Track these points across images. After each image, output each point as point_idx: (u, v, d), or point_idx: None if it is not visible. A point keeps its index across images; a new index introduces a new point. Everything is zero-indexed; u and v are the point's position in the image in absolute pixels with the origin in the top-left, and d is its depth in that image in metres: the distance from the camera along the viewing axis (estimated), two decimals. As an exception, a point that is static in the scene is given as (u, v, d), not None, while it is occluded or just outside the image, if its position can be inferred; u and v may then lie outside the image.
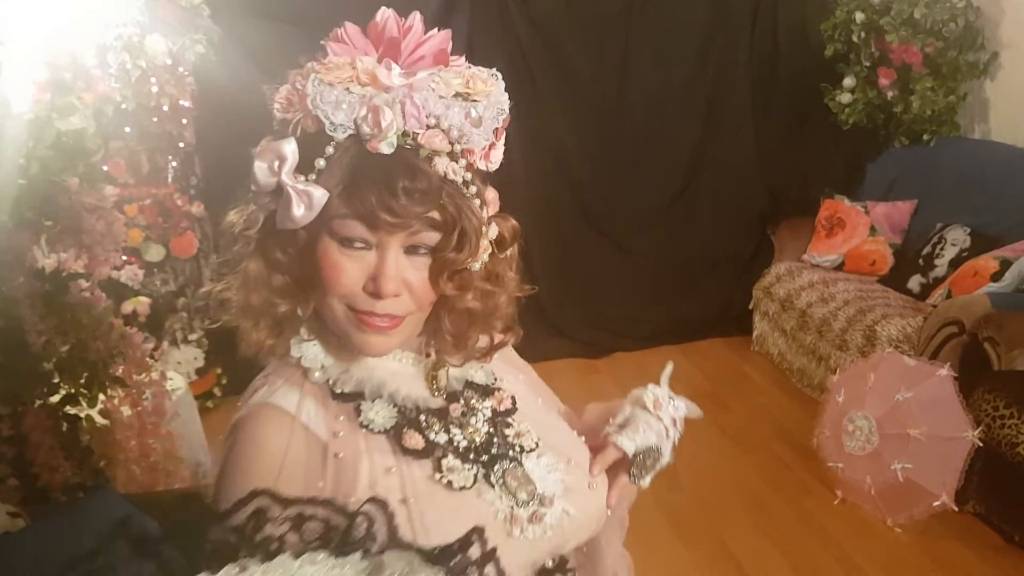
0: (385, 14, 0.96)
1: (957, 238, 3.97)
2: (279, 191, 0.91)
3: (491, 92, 0.97)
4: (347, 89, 0.90)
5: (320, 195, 0.89)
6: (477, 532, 0.83)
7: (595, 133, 4.82)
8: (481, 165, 0.97)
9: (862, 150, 4.89)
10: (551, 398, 1.25)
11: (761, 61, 4.94)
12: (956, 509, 2.95)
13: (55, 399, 2.20)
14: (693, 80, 4.91)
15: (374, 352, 0.98)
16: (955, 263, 3.87)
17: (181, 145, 3.64)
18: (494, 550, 0.83)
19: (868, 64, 4.65)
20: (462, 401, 1.05)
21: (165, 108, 3.47)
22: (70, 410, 2.22)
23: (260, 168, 0.91)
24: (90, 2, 3.19)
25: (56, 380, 2.21)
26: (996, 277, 3.52)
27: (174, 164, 3.65)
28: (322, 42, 0.95)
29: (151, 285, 3.61)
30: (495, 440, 1.03)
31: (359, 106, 0.89)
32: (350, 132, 0.89)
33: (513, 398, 1.09)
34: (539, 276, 4.74)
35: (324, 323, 0.99)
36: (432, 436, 0.99)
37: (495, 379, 1.11)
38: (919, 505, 2.98)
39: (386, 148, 0.89)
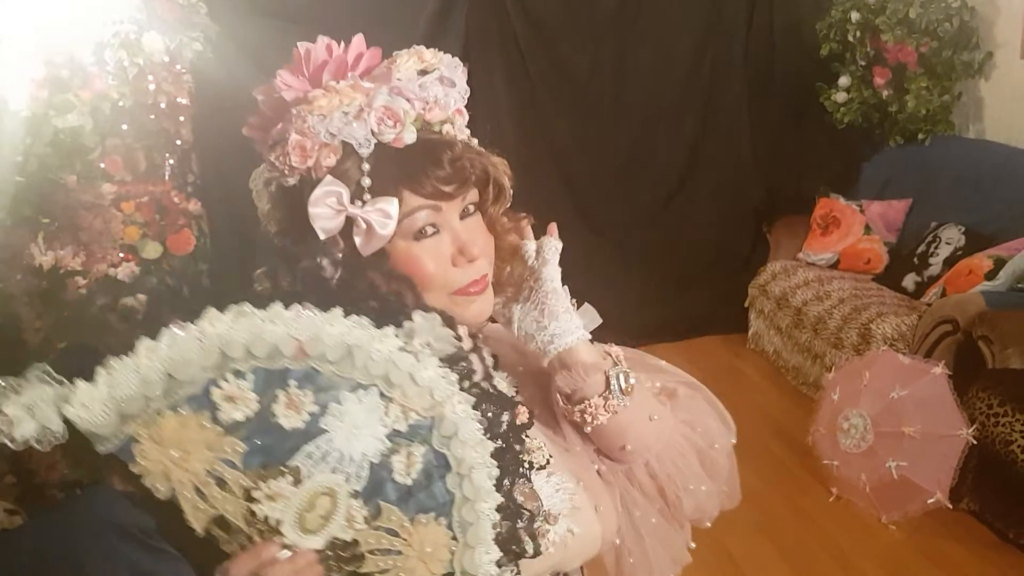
0: (303, 46, 0.98)
1: (952, 237, 3.98)
2: (341, 230, 0.95)
3: (440, 56, 1.03)
4: (343, 112, 0.94)
5: (393, 205, 0.94)
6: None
7: (591, 131, 4.83)
8: (460, 123, 1.03)
9: (857, 149, 4.90)
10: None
11: (757, 60, 4.95)
12: (950, 506, 2.96)
13: (52, 396, 2.20)
14: (689, 79, 4.92)
15: (483, 316, 1.04)
16: (950, 262, 3.88)
17: (178, 142, 3.64)
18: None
19: (863, 63, 4.66)
20: (483, 412, 1.06)
21: (162, 105, 3.47)
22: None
23: (322, 215, 0.94)
24: (87, 0, 3.19)
25: (53, 378, 2.21)
26: (990, 276, 3.53)
27: (171, 161, 3.65)
28: (255, 95, 1.00)
29: (148, 282, 3.61)
30: (505, 455, 1.02)
31: (367, 116, 0.94)
32: (372, 144, 0.94)
33: (530, 413, 1.08)
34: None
35: None
36: None
37: (515, 391, 1.10)
38: (914, 502, 2.99)
39: (410, 138, 0.95)
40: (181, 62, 3.51)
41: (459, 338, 0.90)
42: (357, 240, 0.95)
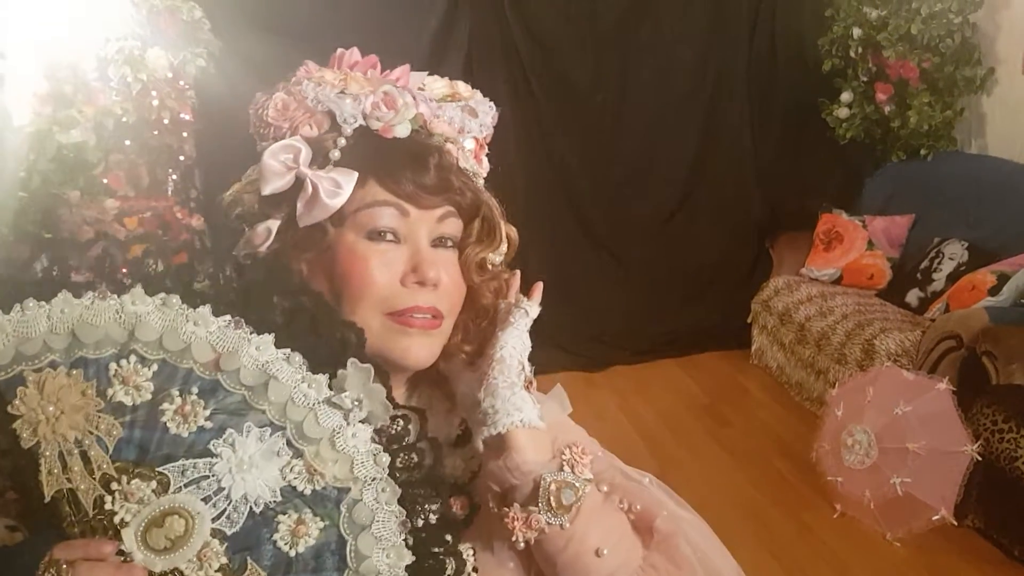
0: (341, 51, 0.97)
1: (955, 252, 3.98)
2: (291, 192, 0.87)
3: (475, 94, 0.98)
4: (342, 91, 0.90)
5: (349, 176, 0.86)
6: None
7: (593, 146, 4.84)
8: (474, 164, 0.97)
9: (860, 164, 4.91)
10: None
11: (759, 75, 4.96)
12: (955, 523, 2.94)
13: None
14: (691, 94, 4.93)
15: (419, 358, 0.88)
16: (953, 277, 3.88)
17: (181, 158, 3.65)
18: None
19: (865, 79, 4.67)
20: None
21: (166, 121, 3.47)
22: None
23: (272, 166, 0.87)
24: (91, 16, 3.21)
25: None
26: (994, 291, 3.52)
27: (174, 177, 3.65)
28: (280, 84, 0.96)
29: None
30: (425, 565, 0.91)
31: (365, 99, 0.89)
32: (359, 123, 0.89)
33: (469, 505, 0.94)
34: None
35: None
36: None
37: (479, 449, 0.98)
38: (918, 519, 2.97)
39: (402, 132, 0.89)
40: (184, 78, 3.52)
41: (392, 401, 0.79)
42: (299, 206, 0.86)
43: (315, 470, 0.76)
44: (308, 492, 0.76)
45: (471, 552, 0.84)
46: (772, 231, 4.97)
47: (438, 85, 0.97)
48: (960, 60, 4.43)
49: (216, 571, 0.74)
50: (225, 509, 0.74)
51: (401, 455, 0.80)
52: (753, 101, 5.00)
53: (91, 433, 0.74)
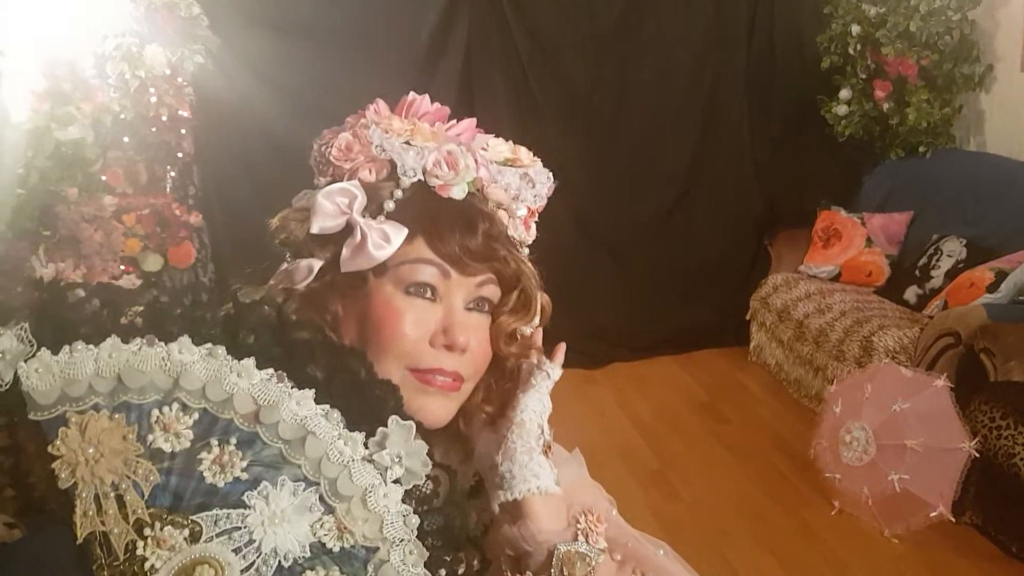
0: (415, 96, 0.96)
1: (953, 249, 3.98)
2: (340, 235, 0.88)
3: (535, 162, 0.99)
4: (407, 142, 0.90)
5: (399, 231, 0.86)
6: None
7: (592, 144, 4.83)
8: (522, 233, 0.98)
9: (858, 162, 4.91)
10: None
11: (758, 73, 4.96)
12: (953, 520, 2.94)
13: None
14: (690, 92, 4.93)
15: (435, 418, 0.88)
16: (951, 274, 3.88)
17: (179, 155, 3.65)
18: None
19: (864, 76, 4.67)
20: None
21: (164, 118, 3.47)
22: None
23: (326, 207, 0.87)
24: (89, 13, 3.21)
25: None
26: (992, 288, 3.53)
27: (172, 174, 3.65)
28: (348, 119, 0.96)
29: (148, 295, 3.61)
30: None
31: (427, 154, 0.89)
32: (418, 178, 0.89)
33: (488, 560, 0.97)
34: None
35: None
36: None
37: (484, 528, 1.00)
38: (916, 516, 2.98)
39: (458, 193, 0.90)
40: (183, 75, 3.52)
41: (431, 458, 0.79)
42: (345, 251, 0.87)
43: (345, 527, 0.76)
44: (337, 549, 0.76)
45: None
46: (771, 228, 4.98)
47: (501, 148, 0.97)
48: (959, 57, 4.43)
49: None
50: (254, 562, 0.74)
51: (429, 517, 0.80)
52: (752, 99, 5.00)
53: (128, 477, 0.74)
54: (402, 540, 0.77)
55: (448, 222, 0.88)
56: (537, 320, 0.98)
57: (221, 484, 0.74)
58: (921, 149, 4.59)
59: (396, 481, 0.77)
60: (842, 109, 4.73)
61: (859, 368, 3.52)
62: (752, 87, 4.98)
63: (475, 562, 0.88)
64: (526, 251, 0.97)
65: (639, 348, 4.79)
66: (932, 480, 2.93)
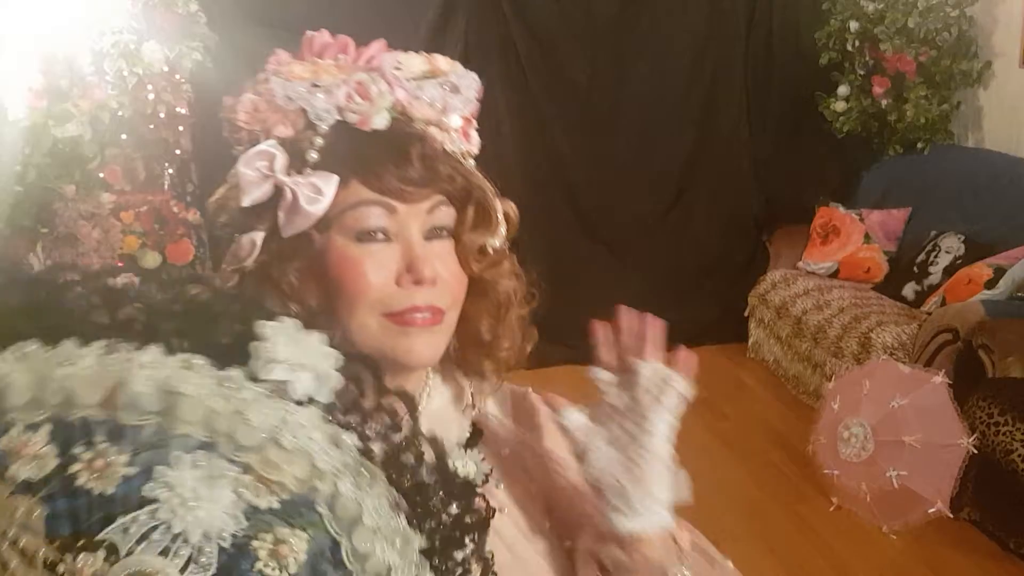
0: (311, 33, 0.90)
1: (951, 246, 3.98)
2: (272, 200, 0.83)
3: (455, 66, 0.91)
4: (313, 84, 0.84)
5: (328, 180, 0.81)
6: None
7: (590, 140, 4.83)
8: (462, 144, 0.90)
9: (856, 158, 4.90)
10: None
11: (756, 69, 4.96)
12: (951, 516, 2.95)
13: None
14: (688, 87, 4.92)
15: (424, 357, 0.85)
16: (949, 271, 3.88)
17: (177, 152, 3.64)
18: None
19: (862, 73, 4.67)
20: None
21: (162, 115, 3.47)
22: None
23: (248, 176, 0.82)
24: (87, 10, 3.20)
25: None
26: (990, 285, 3.53)
27: (170, 171, 3.65)
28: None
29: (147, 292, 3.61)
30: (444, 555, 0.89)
31: (337, 90, 0.83)
32: (334, 119, 0.83)
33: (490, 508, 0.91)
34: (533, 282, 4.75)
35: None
36: None
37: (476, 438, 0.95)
38: (914, 512, 2.98)
39: (380, 122, 0.84)
40: (180, 72, 3.51)
41: (355, 358, 0.66)
42: (280, 216, 0.81)
43: (270, 480, 0.62)
44: (275, 506, 0.63)
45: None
46: (769, 225, 4.97)
47: (415, 62, 0.89)
48: (957, 54, 4.43)
49: None
50: (190, 555, 0.61)
51: (384, 448, 0.67)
52: (750, 95, 4.99)
53: (11, 521, 0.62)
54: (345, 465, 0.64)
55: (378, 155, 0.83)
56: (504, 230, 0.92)
57: (112, 489, 0.61)
58: (919, 145, 4.58)
59: (305, 401, 0.64)
60: (840, 105, 4.73)
61: (857, 364, 3.52)
62: (750, 83, 4.98)
63: (469, 505, 0.73)
64: (472, 162, 0.91)
65: (637, 344, 4.79)
66: (930, 476, 2.93)
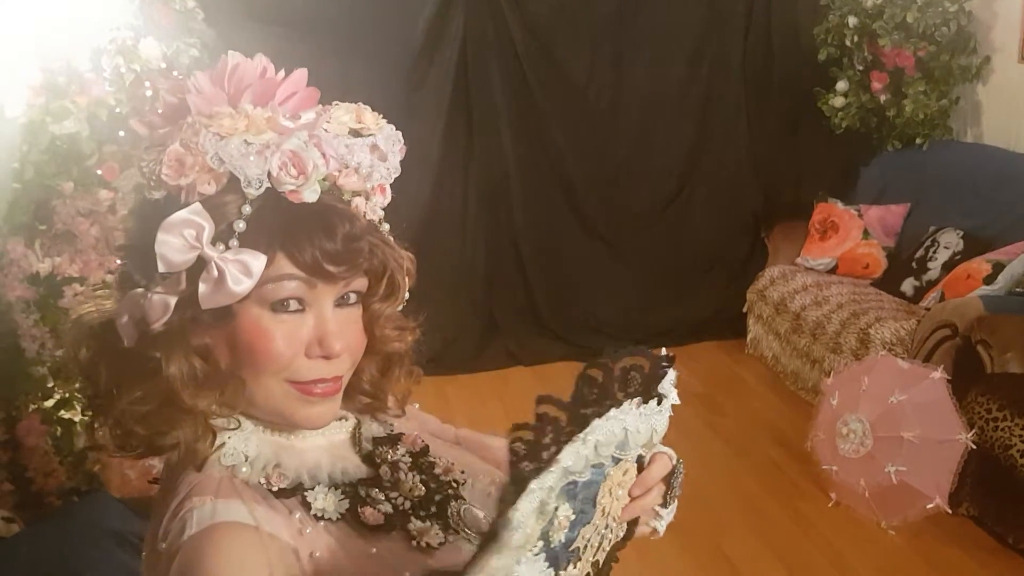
0: (234, 58, 0.87)
1: (950, 241, 3.98)
2: (193, 268, 0.80)
3: (381, 124, 0.90)
4: (245, 141, 0.81)
5: (258, 261, 0.80)
6: None
7: (589, 136, 4.83)
8: (380, 203, 0.90)
9: (855, 154, 4.90)
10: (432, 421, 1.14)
11: (754, 65, 4.95)
12: (950, 511, 2.95)
13: (49, 404, 2.19)
14: (687, 84, 4.92)
15: (320, 423, 0.89)
16: (948, 266, 3.88)
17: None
18: None
19: (861, 68, 4.67)
20: (382, 460, 0.96)
21: (159, 112, 3.46)
22: (64, 414, 2.22)
23: (171, 244, 0.79)
24: (84, 6, 3.19)
25: (50, 384, 2.21)
26: (989, 280, 3.53)
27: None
28: (161, 89, 0.88)
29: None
30: (431, 485, 0.96)
31: (270, 156, 0.80)
32: (264, 188, 0.81)
33: (418, 436, 1.00)
34: (533, 279, 4.75)
35: (251, 409, 0.88)
36: (382, 507, 0.90)
37: (392, 426, 1.02)
38: (913, 507, 2.99)
39: (310, 196, 0.82)
40: (178, 68, 3.50)
41: None
42: (202, 287, 0.79)
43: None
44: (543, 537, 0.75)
45: None
46: (768, 221, 4.97)
47: (344, 119, 0.88)
48: (956, 49, 4.43)
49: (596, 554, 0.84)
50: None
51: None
52: (749, 90, 4.99)
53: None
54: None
55: (305, 231, 0.82)
56: (406, 293, 0.95)
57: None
58: (918, 141, 4.58)
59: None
60: (839, 101, 4.72)
61: (856, 360, 3.53)
62: (749, 79, 4.97)
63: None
64: (386, 226, 0.91)
65: (636, 341, 4.78)
66: (929, 472, 2.94)
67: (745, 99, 5.00)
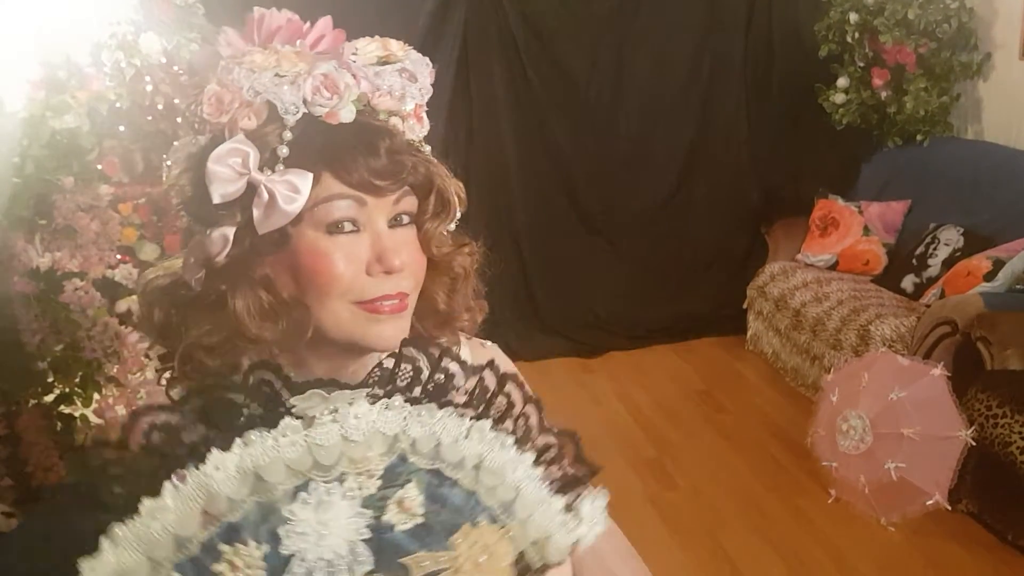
0: (260, 11, 0.89)
1: (950, 238, 3.98)
2: (244, 197, 0.83)
3: (409, 51, 0.92)
4: (276, 73, 0.84)
5: (304, 178, 0.82)
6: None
7: (589, 133, 4.83)
8: (418, 130, 0.93)
9: (856, 150, 4.90)
10: None
11: (755, 61, 4.95)
12: (949, 508, 2.95)
13: (49, 399, 2.19)
14: (687, 80, 4.92)
15: (392, 342, 0.87)
16: (948, 263, 3.88)
17: (176, 144, 3.63)
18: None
19: (862, 64, 4.66)
20: None
21: (160, 107, 3.46)
22: (64, 410, 2.22)
23: (220, 175, 0.83)
24: (84, 1, 3.19)
25: (50, 379, 2.21)
26: (989, 277, 3.53)
27: (168, 163, 3.64)
28: (194, 59, 0.91)
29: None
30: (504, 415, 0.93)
31: (303, 82, 0.84)
32: (301, 112, 0.84)
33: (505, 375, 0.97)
34: (533, 275, 4.75)
35: (320, 342, 0.89)
36: None
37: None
38: (912, 504, 2.99)
39: (347, 115, 0.85)
40: (179, 63, 3.50)
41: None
42: (255, 213, 0.82)
43: (363, 470, 0.75)
44: (379, 482, 0.75)
45: None
46: (768, 217, 4.97)
47: (371, 48, 0.91)
48: (957, 45, 4.43)
49: None
50: (348, 563, 0.73)
51: (412, 386, 0.79)
52: (749, 87, 4.99)
53: None
54: (405, 418, 0.76)
55: (348, 149, 0.84)
56: (459, 212, 0.96)
57: (264, 573, 0.72)
58: (919, 137, 4.58)
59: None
60: (840, 97, 4.72)
61: (856, 357, 3.52)
62: (749, 75, 4.97)
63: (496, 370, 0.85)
64: (428, 148, 0.93)
65: (636, 337, 4.80)
66: (928, 468, 2.94)
67: (746, 95, 4.99)
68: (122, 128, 3.40)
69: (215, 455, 0.73)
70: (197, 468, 0.72)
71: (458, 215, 0.95)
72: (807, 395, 4.00)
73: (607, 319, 4.84)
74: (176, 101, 3.48)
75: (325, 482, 0.74)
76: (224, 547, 0.71)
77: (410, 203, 0.90)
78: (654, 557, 3.09)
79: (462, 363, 0.81)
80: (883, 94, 4.59)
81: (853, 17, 4.54)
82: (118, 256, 3.14)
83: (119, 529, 0.71)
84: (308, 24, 0.90)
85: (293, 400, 0.76)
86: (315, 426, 0.74)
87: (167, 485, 0.72)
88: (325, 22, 0.91)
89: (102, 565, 0.70)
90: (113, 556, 0.70)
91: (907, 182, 4.55)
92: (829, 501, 3.26)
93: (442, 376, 0.80)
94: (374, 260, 0.86)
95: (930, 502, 2.94)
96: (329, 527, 0.73)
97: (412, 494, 0.75)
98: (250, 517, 0.72)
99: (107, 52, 3.23)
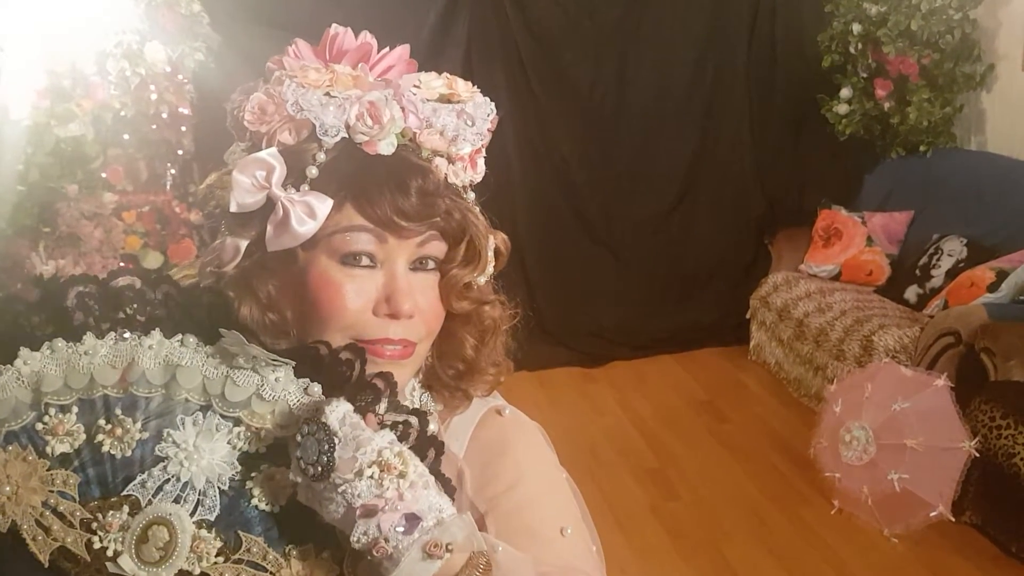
0: (337, 29, 0.88)
1: (953, 249, 3.98)
2: (263, 210, 0.82)
3: (474, 94, 0.90)
4: (327, 93, 0.83)
5: (323, 203, 0.80)
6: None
7: (593, 142, 4.84)
8: (467, 175, 0.89)
9: (859, 161, 4.90)
10: None
11: (759, 71, 4.96)
12: (953, 519, 2.94)
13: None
14: (691, 90, 4.93)
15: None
16: (952, 274, 3.88)
17: (180, 152, 3.64)
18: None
19: (865, 75, 4.67)
20: None
21: (164, 115, 3.47)
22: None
23: (242, 184, 0.81)
24: (90, 10, 3.20)
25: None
26: (992, 288, 3.52)
27: (172, 171, 3.65)
28: (269, 64, 0.89)
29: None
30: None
31: (349, 107, 0.82)
32: (341, 136, 0.82)
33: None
34: (536, 284, 4.75)
35: None
36: None
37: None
38: (916, 515, 2.98)
39: (386, 148, 0.83)
40: (183, 72, 3.51)
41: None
42: (268, 229, 0.80)
43: (256, 427, 0.77)
44: (263, 449, 0.77)
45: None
46: (771, 227, 4.97)
47: (436, 84, 0.88)
48: (960, 56, 4.43)
49: (217, 556, 0.76)
50: (198, 499, 0.77)
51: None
52: (752, 97, 5.00)
53: (51, 491, 0.77)
54: (320, 403, 0.76)
55: (377, 183, 0.81)
56: (491, 268, 0.91)
57: (130, 452, 0.77)
58: (922, 148, 4.58)
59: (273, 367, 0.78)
60: (843, 108, 4.72)
61: (859, 367, 3.52)
62: (753, 85, 4.98)
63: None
64: (472, 195, 0.89)
65: (639, 346, 4.79)
66: (932, 480, 2.93)
67: (749, 105, 5.00)
68: (126, 137, 3.42)
69: (157, 334, 0.79)
70: (138, 337, 0.79)
71: (490, 269, 0.91)
72: (810, 405, 3.99)
73: (610, 328, 4.83)
74: (181, 110, 3.49)
75: (222, 416, 0.77)
76: (118, 411, 0.77)
77: (437, 248, 0.86)
78: (656, 567, 3.10)
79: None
80: (886, 105, 4.59)
81: (856, 28, 4.55)
82: (121, 264, 3.15)
83: (57, 341, 0.79)
84: (387, 49, 0.90)
85: (223, 332, 0.77)
86: (237, 367, 0.78)
87: (109, 335, 0.79)
88: (401, 51, 0.90)
89: (33, 359, 0.78)
90: (39, 364, 0.78)
91: (910, 193, 4.54)
92: (832, 512, 3.25)
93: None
94: (383, 300, 0.83)
95: (933, 513, 2.92)
96: (200, 454, 0.76)
97: (286, 481, 0.77)
98: (151, 405, 0.78)
99: (112, 61, 3.25)
